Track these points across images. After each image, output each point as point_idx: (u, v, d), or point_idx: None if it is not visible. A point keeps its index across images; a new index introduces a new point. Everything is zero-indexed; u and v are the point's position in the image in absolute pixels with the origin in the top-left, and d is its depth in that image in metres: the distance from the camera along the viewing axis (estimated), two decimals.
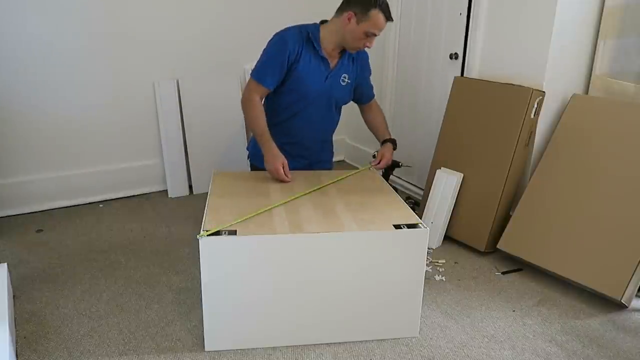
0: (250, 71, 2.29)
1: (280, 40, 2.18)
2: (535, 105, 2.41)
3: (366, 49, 2.25)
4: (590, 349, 1.88)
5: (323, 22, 2.28)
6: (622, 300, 2.06)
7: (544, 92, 2.41)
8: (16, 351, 1.79)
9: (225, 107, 3.19)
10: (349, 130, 3.89)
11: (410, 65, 3.19)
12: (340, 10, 2.18)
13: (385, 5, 2.10)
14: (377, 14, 2.08)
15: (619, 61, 2.44)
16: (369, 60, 2.46)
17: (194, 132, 3.20)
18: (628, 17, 2.38)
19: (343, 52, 2.29)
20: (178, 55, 3.12)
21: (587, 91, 2.55)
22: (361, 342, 1.88)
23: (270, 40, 2.22)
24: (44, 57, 2.78)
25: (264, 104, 2.28)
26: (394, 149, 2.44)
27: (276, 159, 2.13)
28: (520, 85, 2.45)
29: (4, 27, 2.66)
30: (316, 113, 2.32)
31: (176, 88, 3.14)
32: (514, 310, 2.10)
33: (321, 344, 1.86)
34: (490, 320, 2.03)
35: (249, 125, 2.28)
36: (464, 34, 2.75)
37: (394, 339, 1.90)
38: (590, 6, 2.43)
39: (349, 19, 2.12)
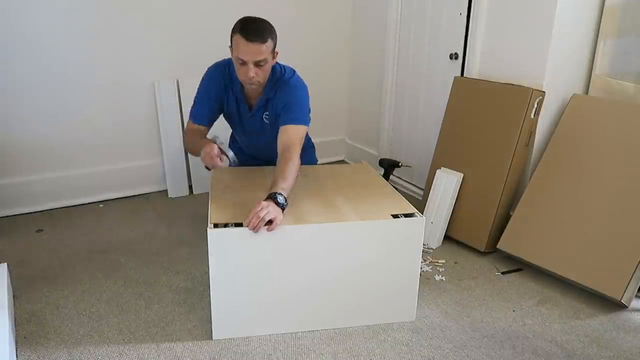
0: None
1: (207, 78, 2.17)
2: (535, 105, 2.41)
3: (284, 91, 2.08)
4: (590, 349, 1.88)
5: None
6: (622, 300, 2.06)
7: (544, 92, 2.41)
8: (16, 351, 1.79)
9: None
10: (349, 130, 3.90)
11: (410, 65, 3.19)
12: None
13: (247, 27, 1.91)
14: (237, 39, 1.92)
15: (619, 61, 2.44)
16: (294, 90, 2.12)
17: None
18: (628, 17, 2.38)
19: (265, 89, 2.12)
20: (178, 55, 3.12)
21: (587, 91, 2.55)
22: (361, 342, 1.88)
23: (202, 78, 2.20)
24: (43, 56, 2.78)
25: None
26: (278, 205, 1.78)
27: (205, 146, 1.97)
28: (520, 85, 2.46)
29: (5, 27, 2.66)
30: (255, 137, 2.30)
31: (176, 88, 3.15)
32: (514, 310, 2.10)
33: (323, 336, 1.87)
34: (490, 320, 2.03)
35: (193, 154, 2.19)
36: (464, 34, 2.75)
37: (393, 339, 1.90)
38: (590, 6, 2.43)
39: (230, 50, 2.01)
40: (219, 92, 2.16)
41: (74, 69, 2.87)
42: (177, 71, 3.14)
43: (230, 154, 1.90)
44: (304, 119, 2.10)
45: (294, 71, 2.20)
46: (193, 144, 2.13)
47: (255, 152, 2.43)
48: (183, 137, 2.19)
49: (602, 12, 2.44)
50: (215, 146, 1.94)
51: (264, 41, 1.92)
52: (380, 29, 3.34)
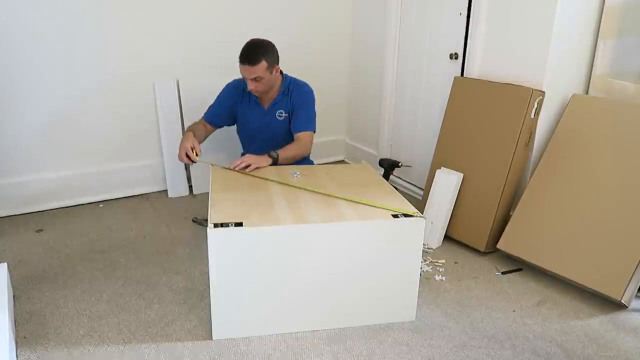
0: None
1: (226, 88, 2.68)
2: (535, 105, 2.41)
3: (299, 90, 2.59)
4: (590, 349, 1.88)
5: None
6: (622, 300, 2.06)
7: (544, 92, 2.41)
8: (16, 351, 1.79)
9: None
10: (349, 130, 3.90)
11: (410, 65, 3.19)
12: None
13: (242, 52, 2.38)
14: (239, 63, 2.40)
15: (619, 61, 2.44)
16: (306, 96, 2.60)
17: None
18: (628, 17, 2.38)
19: (278, 93, 2.58)
20: (178, 55, 3.12)
21: (587, 91, 2.55)
22: (361, 342, 1.88)
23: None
24: (43, 57, 2.78)
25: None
26: (272, 159, 2.38)
27: (185, 140, 2.46)
28: (520, 85, 2.46)
29: (4, 27, 2.66)
30: (265, 143, 2.57)
31: (176, 88, 3.15)
32: (514, 310, 2.10)
33: (323, 336, 1.87)
34: (490, 320, 2.03)
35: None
36: (464, 34, 2.75)
37: (393, 339, 1.90)
38: (590, 6, 2.43)
39: None
40: (234, 102, 2.64)
41: (73, 69, 2.87)
42: (177, 71, 3.14)
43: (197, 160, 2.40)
44: (313, 126, 2.61)
45: (305, 83, 2.65)
46: (188, 128, 2.66)
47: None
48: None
49: (602, 12, 2.44)
50: (193, 143, 2.44)
51: (253, 64, 2.36)
52: (380, 29, 3.34)
